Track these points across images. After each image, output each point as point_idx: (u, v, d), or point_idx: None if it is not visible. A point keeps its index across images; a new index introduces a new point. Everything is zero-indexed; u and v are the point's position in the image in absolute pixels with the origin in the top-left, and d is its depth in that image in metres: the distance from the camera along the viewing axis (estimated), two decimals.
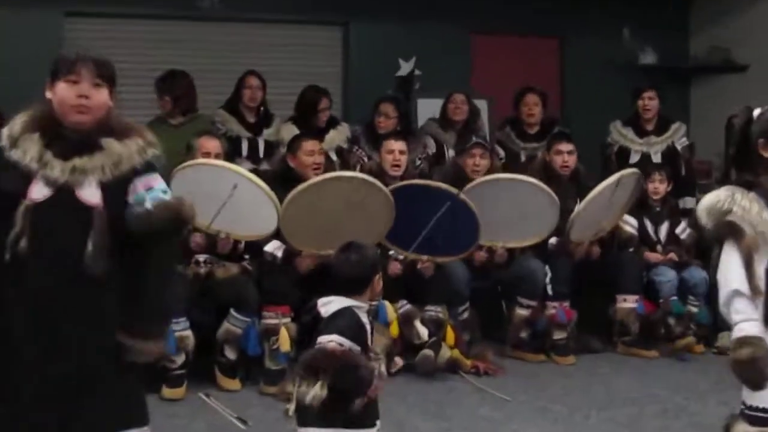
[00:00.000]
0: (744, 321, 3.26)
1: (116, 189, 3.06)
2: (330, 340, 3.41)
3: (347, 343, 3.42)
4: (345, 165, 6.70)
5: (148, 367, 3.26)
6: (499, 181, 6.13)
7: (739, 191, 3.36)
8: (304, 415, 3.43)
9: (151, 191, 3.11)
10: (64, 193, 3.00)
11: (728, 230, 3.32)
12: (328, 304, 3.55)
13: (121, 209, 3.07)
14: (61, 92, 3.06)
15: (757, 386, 3.24)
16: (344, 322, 3.47)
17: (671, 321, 6.53)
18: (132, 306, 3.09)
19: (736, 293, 3.29)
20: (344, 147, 6.98)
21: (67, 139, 3.05)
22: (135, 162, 3.09)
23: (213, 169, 5.44)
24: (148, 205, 3.08)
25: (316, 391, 3.31)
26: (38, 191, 2.99)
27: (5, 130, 3.07)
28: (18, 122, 3.07)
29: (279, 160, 6.28)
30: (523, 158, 7.18)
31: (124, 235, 3.04)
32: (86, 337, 3.04)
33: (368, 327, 3.57)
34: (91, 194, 3.02)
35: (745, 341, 3.22)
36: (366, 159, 6.83)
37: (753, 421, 3.35)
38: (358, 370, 3.36)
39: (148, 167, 3.12)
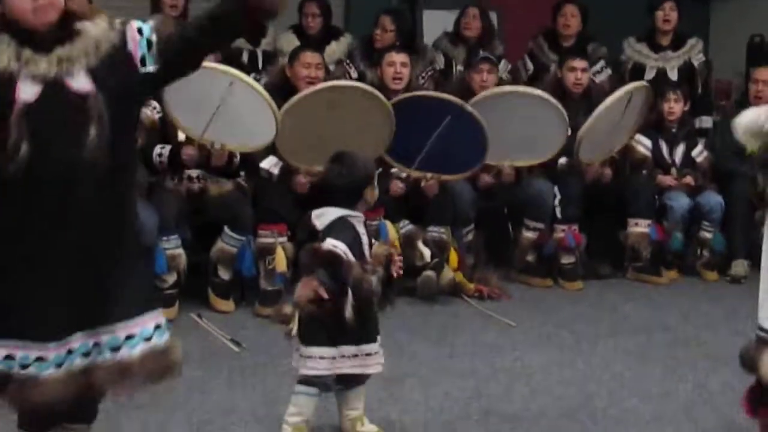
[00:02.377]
0: None
1: (105, 71, 2.96)
2: (326, 244, 3.55)
3: (342, 246, 3.54)
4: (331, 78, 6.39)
5: None
6: (505, 94, 5.92)
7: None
8: (308, 334, 3.60)
9: (144, 31, 3.02)
10: (55, 87, 2.90)
11: None
12: (322, 216, 3.65)
13: (117, 90, 2.97)
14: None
15: None
16: (340, 230, 3.59)
17: (667, 252, 6.41)
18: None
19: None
20: (343, 59, 6.71)
21: (41, 32, 2.92)
22: (111, 38, 3.00)
23: (208, 72, 5.15)
24: (154, 38, 3.02)
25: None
26: (26, 91, 2.88)
27: None
28: None
29: (278, 71, 6.03)
30: (552, 69, 6.90)
31: (130, 116, 3.04)
32: (96, 227, 2.99)
33: (364, 238, 3.67)
34: (82, 82, 2.93)
35: None
36: (353, 74, 6.55)
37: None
38: (345, 267, 3.51)
39: (123, 33, 3.02)
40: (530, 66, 7.08)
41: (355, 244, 3.61)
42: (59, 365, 2.97)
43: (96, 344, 3.01)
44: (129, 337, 3.02)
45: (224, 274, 5.49)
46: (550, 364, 4.78)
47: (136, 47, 3.01)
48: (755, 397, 3.68)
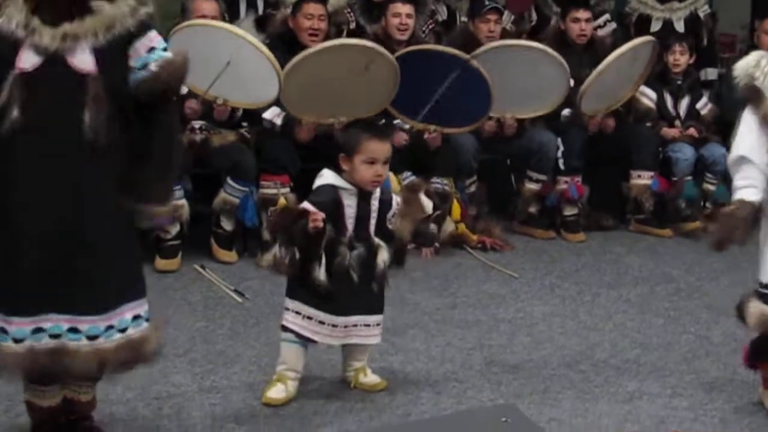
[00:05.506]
0: (745, 187, 3.51)
1: (111, 54, 2.94)
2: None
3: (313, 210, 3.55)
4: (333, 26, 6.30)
5: (141, 237, 3.33)
6: (507, 47, 5.86)
7: (767, 58, 3.55)
8: (289, 286, 3.72)
9: (153, 52, 3.01)
10: (55, 61, 2.88)
11: (750, 93, 3.54)
12: (319, 177, 3.72)
13: (118, 75, 2.97)
14: None
15: (718, 243, 3.59)
16: (318, 194, 3.63)
17: (681, 203, 6.37)
18: (142, 170, 3.03)
19: (743, 159, 3.51)
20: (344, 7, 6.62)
21: (55, 3, 2.90)
22: (128, 24, 2.97)
23: (212, 31, 5.16)
24: (153, 66, 2.99)
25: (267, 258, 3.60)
26: (27, 60, 2.88)
27: None
28: None
29: (281, 22, 5.97)
30: (553, 22, 6.86)
31: (125, 102, 2.97)
32: (85, 207, 2.96)
33: (350, 210, 3.65)
34: (84, 61, 2.91)
35: (738, 203, 3.52)
36: (354, 24, 6.47)
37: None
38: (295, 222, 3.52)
39: (144, 27, 3.00)
40: (534, 17, 7.01)
41: (331, 215, 3.60)
42: (18, 341, 2.96)
43: (73, 329, 2.99)
44: (108, 327, 3.03)
45: (227, 225, 5.48)
46: (552, 314, 4.80)
47: (135, 56, 3.00)
48: (757, 351, 3.72)
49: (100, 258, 3.00)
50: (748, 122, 3.59)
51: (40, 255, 2.93)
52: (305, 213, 3.54)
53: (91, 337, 3.00)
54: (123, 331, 3.05)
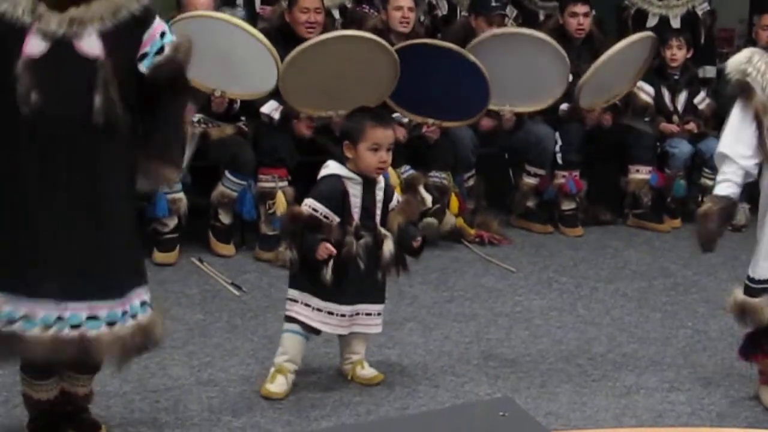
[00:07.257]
0: (720, 182, 3.63)
1: (117, 38, 2.95)
2: (305, 204, 3.63)
3: (321, 207, 3.60)
4: (348, 24, 6.33)
5: (139, 230, 3.36)
6: (508, 35, 5.86)
7: (759, 53, 3.58)
8: (294, 277, 3.74)
9: (165, 36, 3.04)
10: (63, 47, 2.90)
11: (740, 89, 3.57)
12: (324, 168, 3.74)
13: (125, 59, 2.98)
14: None
15: (703, 245, 3.65)
16: (322, 188, 3.66)
17: (668, 198, 6.37)
18: (155, 137, 3.08)
19: (722, 156, 3.60)
20: (348, 6, 6.58)
21: None
22: (133, 8, 2.99)
23: (210, 22, 5.13)
24: (168, 50, 3.03)
25: (285, 254, 3.61)
26: (34, 46, 2.89)
27: None
28: None
29: (278, 15, 5.96)
30: (541, 18, 6.85)
31: (132, 86, 2.99)
32: (100, 190, 3.00)
33: (356, 200, 3.68)
34: (91, 45, 2.92)
35: (711, 199, 3.66)
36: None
37: (746, 290, 3.64)
38: (308, 234, 3.56)
39: (149, 12, 3.04)
40: (514, 12, 6.98)
41: (337, 205, 3.64)
42: (47, 326, 2.96)
43: (92, 317, 3.00)
44: (124, 313, 3.05)
45: (225, 218, 5.47)
46: (550, 309, 4.80)
47: (150, 42, 3.02)
48: (750, 344, 3.75)
49: (114, 241, 3.03)
50: (734, 118, 3.63)
51: (57, 241, 2.95)
52: (311, 219, 3.58)
53: (111, 323, 3.02)
54: (134, 316, 3.07)
